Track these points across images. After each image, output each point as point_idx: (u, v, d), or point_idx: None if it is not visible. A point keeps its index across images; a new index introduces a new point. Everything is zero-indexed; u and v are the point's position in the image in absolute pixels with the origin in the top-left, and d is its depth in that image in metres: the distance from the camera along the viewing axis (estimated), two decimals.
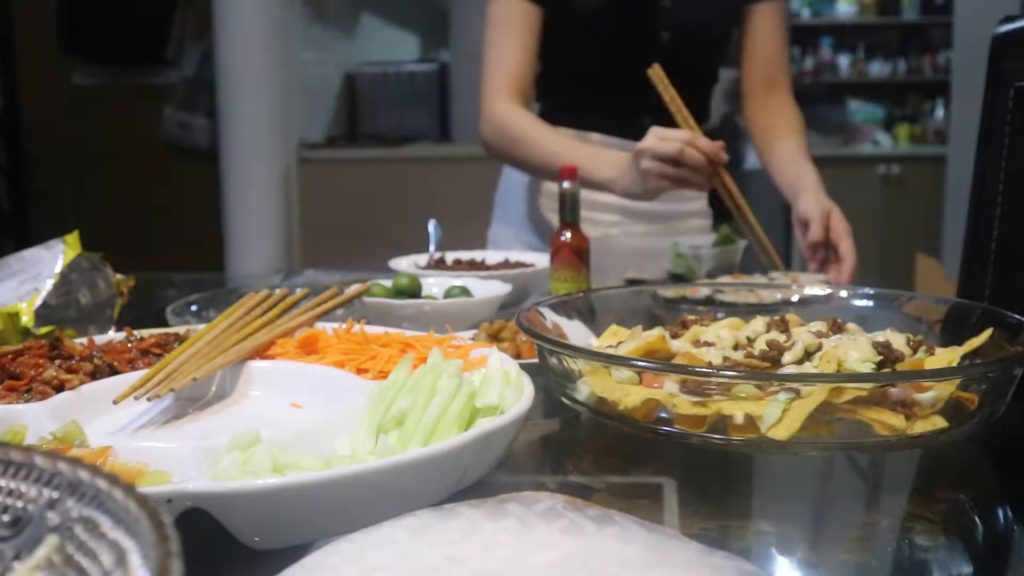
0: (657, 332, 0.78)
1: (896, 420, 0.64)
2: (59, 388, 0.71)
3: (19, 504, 0.36)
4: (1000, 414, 0.69)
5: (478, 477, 0.60)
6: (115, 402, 0.67)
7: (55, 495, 0.35)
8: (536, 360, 0.80)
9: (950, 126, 4.45)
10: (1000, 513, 0.64)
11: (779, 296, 0.99)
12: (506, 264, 1.38)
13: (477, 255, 1.44)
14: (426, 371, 0.66)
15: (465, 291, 1.12)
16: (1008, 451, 0.74)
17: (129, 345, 0.81)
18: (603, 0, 1.49)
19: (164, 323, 1.03)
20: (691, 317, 0.87)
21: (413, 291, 1.12)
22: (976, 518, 0.62)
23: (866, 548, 0.56)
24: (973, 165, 0.87)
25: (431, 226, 1.44)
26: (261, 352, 0.80)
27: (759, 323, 0.81)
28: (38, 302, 0.91)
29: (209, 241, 3.78)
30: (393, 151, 3.93)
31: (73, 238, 0.97)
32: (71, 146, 4.07)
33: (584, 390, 0.72)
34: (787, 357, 0.73)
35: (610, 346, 0.80)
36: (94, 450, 0.56)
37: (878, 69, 5.39)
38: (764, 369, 0.72)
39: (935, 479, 0.70)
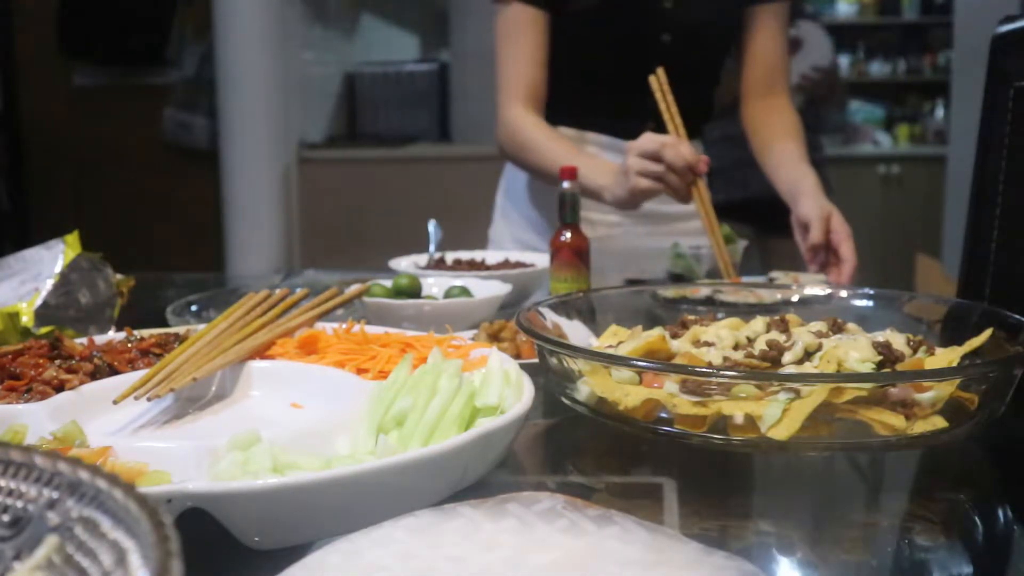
0: (657, 332, 0.78)
1: (896, 420, 0.64)
2: (59, 388, 0.71)
3: (19, 504, 0.36)
4: (1000, 414, 0.70)
5: (478, 477, 0.60)
6: (115, 402, 0.67)
7: (55, 495, 0.35)
8: (536, 360, 0.80)
9: (950, 126, 4.44)
10: (1000, 513, 0.64)
11: (779, 296, 0.99)
12: (506, 264, 1.38)
13: (477, 255, 1.44)
14: (426, 371, 0.66)
15: (465, 291, 1.12)
16: (1008, 451, 0.74)
17: (129, 345, 0.81)
18: (604, 2, 1.49)
19: (164, 323, 1.03)
20: (691, 317, 0.87)
21: (413, 291, 1.12)
22: (976, 518, 0.62)
23: (866, 548, 0.56)
24: (973, 165, 0.87)
25: (431, 226, 1.44)
26: (261, 352, 0.80)
27: (759, 323, 0.81)
28: (38, 302, 0.91)
29: (209, 241, 3.78)
30: (393, 151, 3.92)
31: (73, 238, 0.97)
32: (71, 146, 4.06)
33: (584, 390, 0.72)
34: (787, 357, 0.73)
35: (610, 346, 0.80)
36: (94, 450, 0.56)
37: (878, 69, 5.39)
38: (764, 369, 0.72)
39: (935, 479, 0.70)
